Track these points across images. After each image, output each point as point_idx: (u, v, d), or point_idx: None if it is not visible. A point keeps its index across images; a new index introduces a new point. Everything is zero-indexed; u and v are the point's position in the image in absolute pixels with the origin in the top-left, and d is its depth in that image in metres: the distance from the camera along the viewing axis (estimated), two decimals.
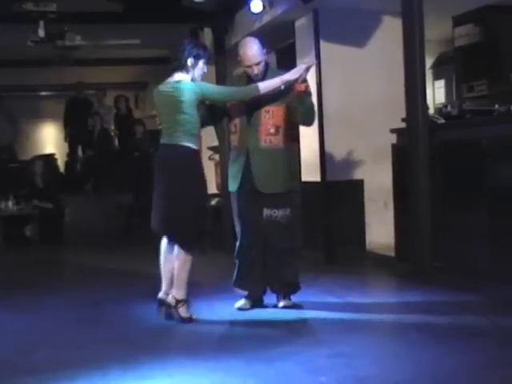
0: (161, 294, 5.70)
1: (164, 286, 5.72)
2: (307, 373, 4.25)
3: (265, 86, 5.61)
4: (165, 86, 5.66)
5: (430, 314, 5.69)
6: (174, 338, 5.45)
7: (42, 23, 8.85)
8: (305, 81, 5.59)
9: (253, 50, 5.72)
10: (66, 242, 11.91)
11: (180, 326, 5.53)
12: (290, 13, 8.73)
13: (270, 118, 5.77)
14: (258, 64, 5.72)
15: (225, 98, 5.78)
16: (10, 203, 12.10)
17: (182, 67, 5.60)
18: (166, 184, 5.56)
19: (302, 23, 9.03)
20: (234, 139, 5.94)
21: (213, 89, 5.76)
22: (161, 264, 5.76)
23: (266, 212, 5.84)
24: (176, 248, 5.59)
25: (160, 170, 5.63)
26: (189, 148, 5.53)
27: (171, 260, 5.64)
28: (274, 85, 5.63)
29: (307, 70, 5.60)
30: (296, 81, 5.58)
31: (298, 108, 5.73)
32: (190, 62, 5.59)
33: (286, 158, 5.89)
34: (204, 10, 9.27)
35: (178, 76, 5.61)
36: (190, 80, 5.59)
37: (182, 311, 5.54)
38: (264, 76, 5.77)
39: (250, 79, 5.82)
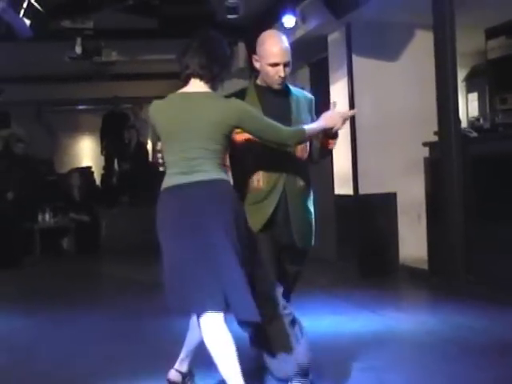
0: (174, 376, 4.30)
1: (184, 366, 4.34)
2: None
3: (309, 131, 4.02)
4: (181, 100, 3.92)
5: (462, 329, 5.68)
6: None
7: (79, 40, 9.03)
8: (336, 135, 4.19)
9: (282, 44, 4.15)
10: (102, 254, 12.06)
11: None
12: (323, 27, 8.77)
13: (302, 152, 4.28)
14: (287, 64, 4.14)
15: (266, 135, 3.91)
16: (47, 216, 12.30)
17: (204, 74, 3.89)
18: (204, 239, 3.72)
19: (335, 37, 9.09)
20: (252, 179, 4.14)
21: (255, 115, 3.92)
22: (191, 343, 4.28)
23: (291, 269, 4.34)
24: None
25: (186, 224, 3.75)
26: (227, 182, 3.87)
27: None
28: (316, 131, 4.08)
29: (344, 121, 4.13)
30: (330, 130, 4.12)
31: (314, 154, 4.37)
32: (216, 68, 3.92)
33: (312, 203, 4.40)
34: (238, 25, 9.38)
35: (198, 85, 3.91)
36: (214, 93, 3.94)
37: None
38: (286, 91, 4.26)
39: (265, 93, 4.22)
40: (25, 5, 7.07)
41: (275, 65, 4.11)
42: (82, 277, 9.87)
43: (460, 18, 7.32)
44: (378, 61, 8.72)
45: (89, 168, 15.21)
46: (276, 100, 4.20)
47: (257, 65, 4.21)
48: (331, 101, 4.26)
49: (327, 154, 4.40)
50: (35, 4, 7.15)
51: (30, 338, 6.12)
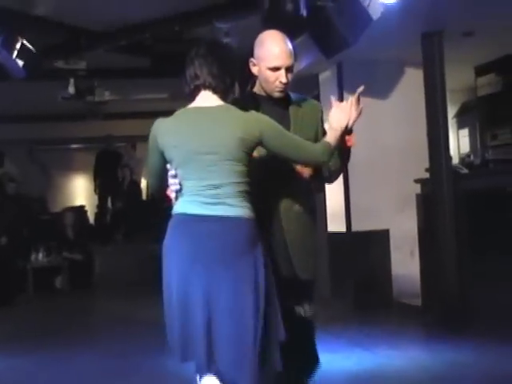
0: None
1: None
2: None
3: (332, 141, 3.43)
4: (195, 117, 3.30)
5: (456, 365, 5.67)
6: None
7: (72, 80, 9.10)
8: (351, 130, 3.55)
9: (285, 45, 3.53)
10: (96, 292, 12.03)
11: None
12: (314, 66, 8.84)
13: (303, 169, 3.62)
14: (289, 69, 3.53)
15: (294, 153, 3.36)
16: (41, 255, 12.27)
17: (217, 85, 3.30)
18: (232, 289, 3.15)
19: (326, 76, 9.18)
20: None
21: (280, 129, 3.34)
22: None
23: (296, 309, 3.66)
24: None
25: (199, 271, 3.17)
26: (252, 222, 3.25)
27: None
28: (337, 138, 3.44)
29: (356, 109, 3.51)
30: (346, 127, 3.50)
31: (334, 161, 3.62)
32: (228, 79, 3.34)
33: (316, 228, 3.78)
34: None
35: (210, 99, 3.32)
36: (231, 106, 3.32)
37: None
38: (288, 100, 3.64)
39: (263, 103, 3.58)
40: (18, 45, 7.14)
41: (276, 69, 3.50)
42: (76, 315, 9.82)
43: (449, 55, 7.42)
44: (369, 98, 8.75)
45: (82, 207, 15.21)
46: (275, 111, 3.52)
47: (254, 69, 3.59)
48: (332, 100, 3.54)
49: (348, 155, 3.71)
50: (28, 45, 7.21)
51: (25, 376, 6.10)
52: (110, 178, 14.92)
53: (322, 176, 3.75)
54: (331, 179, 3.86)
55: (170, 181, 3.33)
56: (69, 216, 13.12)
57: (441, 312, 7.20)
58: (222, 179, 3.20)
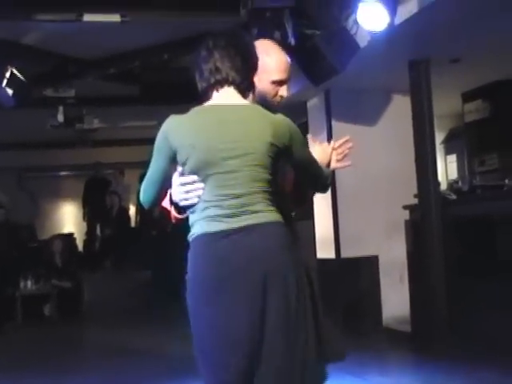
0: None
1: None
2: None
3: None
4: (217, 116, 2.85)
5: None
6: None
7: (61, 108, 9.12)
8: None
9: (287, 56, 3.32)
10: (84, 320, 11.96)
11: None
12: (302, 94, 8.86)
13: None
14: (287, 81, 3.29)
15: (311, 168, 3.10)
16: (29, 282, 12.21)
17: (242, 81, 2.92)
18: (279, 308, 2.73)
19: (314, 103, 9.23)
20: None
21: (304, 140, 3.09)
22: None
23: None
24: None
25: (246, 291, 2.72)
26: (284, 226, 2.88)
27: None
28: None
29: (341, 157, 3.43)
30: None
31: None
32: (251, 74, 2.98)
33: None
34: None
35: (233, 96, 2.93)
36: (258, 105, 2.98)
37: None
38: None
39: None
40: (7, 74, 7.16)
41: (281, 82, 3.23)
42: (65, 343, 9.75)
43: (436, 81, 7.49)
44: (357, 125, 8.85)
45: (71, 234, 15.18)
46: None
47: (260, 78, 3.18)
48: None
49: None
50: (18, 74, 7.24)
51: None
52: (99, 205, 14.93)
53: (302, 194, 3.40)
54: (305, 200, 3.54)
55: (179, 189, 2.87)
56: (57, 243, 13.07)
57: (430, 338, 7.19)
58: (247, 188, 2.78)
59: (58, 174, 16.67)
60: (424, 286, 7.32)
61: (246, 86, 2.92)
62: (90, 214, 15.11)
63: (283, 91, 3.24)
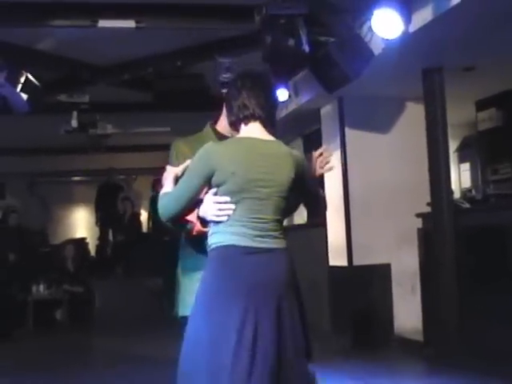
0: None
1: None
2: None
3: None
4: (256, 148, 3.24)
5: None
6: None
7: (75, 114, 9.13)
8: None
9: None
10: (95, 326, 11.97)
11: None
12: (315, 101, 8.89)
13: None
14: None
15: (314, 189, 3.55)
16: (41, 287, 12.25)
17: (267, 117, 3.33)
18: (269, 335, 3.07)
19: (327, 110, 9.22)
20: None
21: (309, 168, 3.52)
22: None
23: None
24: None
25: (271, 309, 3.10)
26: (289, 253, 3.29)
27: None
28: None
29: (322, 165, 3.69)
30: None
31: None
32: (274, 111, 3.43)
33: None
34: None
35: (260, 131, 3.32)
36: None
37: None
38: None
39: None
40: (22, 79, 7.18)
41: None
42: (74, 349, 9.76)
43: (450, 90, 7.47)
44: (370, 133, 8.84)
45: (83, 239, 15.22)
46: None
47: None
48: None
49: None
50: (32, 79, 7.26)
51: None
52: (111, 211, 14.96)
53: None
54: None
55: (213, 206, 3.17)
56: (69, 248, 13.12)
57: (442, 347, 7.16)
58: (272, 214, 3.18)
59: (70, 180, 16.72)
60: (436, 295, 7.28)
61: (269, 122, 3.31)
62: (103, 220, 15.14)
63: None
